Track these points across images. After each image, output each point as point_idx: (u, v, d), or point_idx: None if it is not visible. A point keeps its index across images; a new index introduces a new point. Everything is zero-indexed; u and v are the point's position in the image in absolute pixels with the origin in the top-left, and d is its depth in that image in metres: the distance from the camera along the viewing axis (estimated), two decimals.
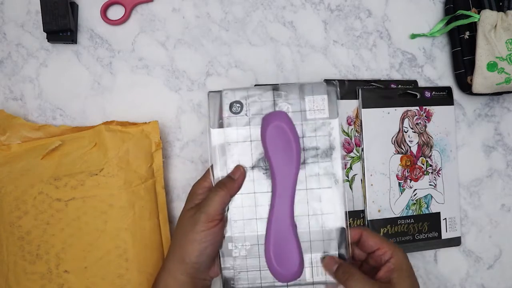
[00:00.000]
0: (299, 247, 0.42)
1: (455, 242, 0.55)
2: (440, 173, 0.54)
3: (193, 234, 0.40)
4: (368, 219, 0.52)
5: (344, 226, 0.43)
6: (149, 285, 0.47)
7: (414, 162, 0.54)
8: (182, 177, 0.53)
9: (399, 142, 0.53)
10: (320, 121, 0.43)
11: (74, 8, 0.51)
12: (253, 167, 0.43)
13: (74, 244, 0.46)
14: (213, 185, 0.43)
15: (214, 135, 0.43)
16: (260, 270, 0.43)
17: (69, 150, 0.47)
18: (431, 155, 0.54)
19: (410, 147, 0.54)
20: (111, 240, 0.47)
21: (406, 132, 0.54)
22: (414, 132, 0.54)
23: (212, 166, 0.43)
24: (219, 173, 0.43)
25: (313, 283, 0.43)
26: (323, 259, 0.42)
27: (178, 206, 0.52)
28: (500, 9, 0.52)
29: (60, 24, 0.49)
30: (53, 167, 0.47)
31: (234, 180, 0.42)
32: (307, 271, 0.43)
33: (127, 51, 0.53)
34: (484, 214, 0.56)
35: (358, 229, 0.43)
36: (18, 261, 0.46)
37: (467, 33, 0.54)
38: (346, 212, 0.43)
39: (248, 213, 0.43)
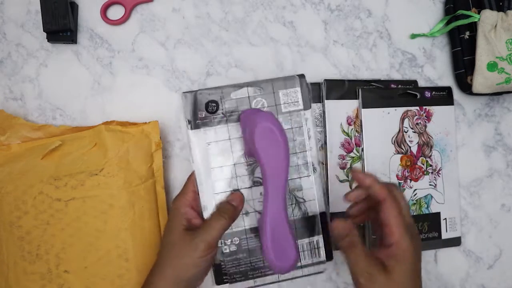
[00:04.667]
0: (295, 239, 0.42)
1: (455, 242, 0.55)
2: (440, 173, 0.54)
3: (190, 259, 0.40)
4: None
5: (325, 211, 0.46)
6: None
7: (414, 162, 0.54)
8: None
9: (399, 142, 0.53)
10: (295, 113, 0.45)
11: (74, 8, 0.51)
12: (235, 164, 0.44)
13: (74, 244, 0.46)
14: (197, 190, 0.43)
15: (192, 136, 0.44)
16: (250, 262, 0.45)
17: (69, 150, 0.47)
18: (431, 155, 0.54)
19: (410, 147, 0.54)
20: (111, 240, 0.47)
21: (406, 132, 0.54)
22: (414, 132, 0.54)
23: (193, 173, 0.44)
24: (202, 177, 0.44)
25: (301, 267, 0.46)
26: (331, 222, 0.41)
27: None
28: (500, 9, 0.52)
29: (60, 24, 0.49)
30: (53, 167, 0.47)
31: (235, 207, 0.42)
32: None
33: (127, 51, 0.53)
34: (484, 214, 0.56)
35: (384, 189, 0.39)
36: (18, 261, 0.46)
37: (467, 33, 0.54)
38: (326, 197, 0.46)
39: None
